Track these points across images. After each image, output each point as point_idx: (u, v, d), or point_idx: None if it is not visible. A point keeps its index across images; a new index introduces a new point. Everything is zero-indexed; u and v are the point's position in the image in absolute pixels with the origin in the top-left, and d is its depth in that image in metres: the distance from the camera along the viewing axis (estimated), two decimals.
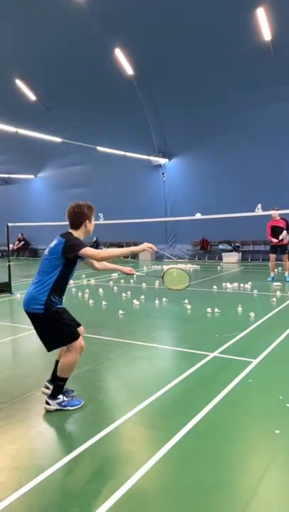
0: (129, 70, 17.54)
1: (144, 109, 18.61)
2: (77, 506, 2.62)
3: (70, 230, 3.97)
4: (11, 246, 20.15)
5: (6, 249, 15.90)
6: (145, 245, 3.82)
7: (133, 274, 4.38)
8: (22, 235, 24.64)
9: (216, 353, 5.36)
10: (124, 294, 9.80)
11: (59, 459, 3.06)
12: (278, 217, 11.43)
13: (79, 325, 4.08)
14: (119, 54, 16.92)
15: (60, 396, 3.89)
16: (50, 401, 3.87)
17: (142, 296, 9.44)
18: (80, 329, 4.05)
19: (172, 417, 3.71)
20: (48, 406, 3.87)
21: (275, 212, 10.80)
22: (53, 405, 3.86)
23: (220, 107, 17.20)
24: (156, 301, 8.99)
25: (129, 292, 9.94)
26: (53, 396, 3.88)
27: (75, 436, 3.43)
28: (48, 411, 3.85)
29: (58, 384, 3.90)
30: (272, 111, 16.20)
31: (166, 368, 5.09)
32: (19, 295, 10.38)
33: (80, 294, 10.21)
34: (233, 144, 17.36)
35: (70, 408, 3.84)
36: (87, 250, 3.69)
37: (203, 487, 2.72)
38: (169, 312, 8.21)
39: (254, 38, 14.69)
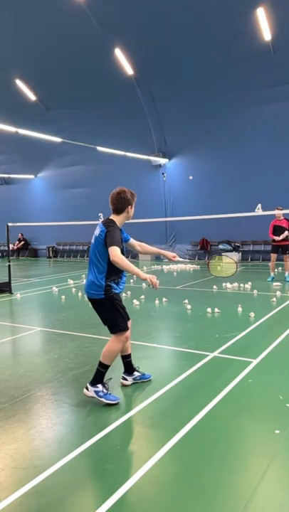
0: (129, 70, 17.55)
1: (144, 109, 18.61)
2: (77, 506, 2.62)
3: (112, 216, 4.11)
4: (10, 246, 20.15)
5: (6, 249, 15.91)
6: (149, 276, 3.80)
7: (177, 262, 4.58)
8: (22, 234, 24.65)
9: (216, 353, 5.36)
10: (124, 294, 9.79)
11: (59, 459, 3.05)
12: (282, 217, 11.44)
13: (128, 318, 4.28)
14: (119, 54, 16.92)
15: (100, 386, 3.96)
16: (89, 387, 3.98)
17: (142, 296, 9.44)
18: (128, 323, 4.27)
19: (172, 417, 3.70)
20: (85, 391, 4.00)
21: (279, 212, 10.77)
22: (91, 392, 3.96)
23: (220, 106, 17.21)
24: (156, 301, 8.99)
25: (129, 292, 9.94)
26: (93, 383, 3.97)
27: (75, 436, 3.43)
28: (84, 394, 3.99)
29: (98, 369, 4.00)
30: (273, 111, 16.21)
31: (166, 368, 5.09)
32: (19, 295, 10.38)
33: (80, 293, 10.21)
34: (233, 143, 17.37)
35: (105, 401, 3.90)
36: (112, 250, 3.75)
37: (203, 487, 2.72)
38: (169, 312, 8.21)
39: (254, 38, 14.70)
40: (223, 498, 2.61)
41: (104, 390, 3.96)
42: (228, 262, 5.01)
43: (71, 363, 5.22)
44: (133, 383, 4.44)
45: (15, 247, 24.33)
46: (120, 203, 4.05)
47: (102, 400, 3.91)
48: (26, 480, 2.81)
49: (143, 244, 4.54)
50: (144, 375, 4.52)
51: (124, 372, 4.48)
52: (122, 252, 3.98)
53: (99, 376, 4.00)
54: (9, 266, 11.17)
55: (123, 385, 4.42)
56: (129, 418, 3.70)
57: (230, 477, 2.83)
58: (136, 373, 4.49)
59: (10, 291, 10.85)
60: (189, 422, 3.51)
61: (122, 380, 4.45)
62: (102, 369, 3.99)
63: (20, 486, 2.75)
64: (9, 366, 5.27)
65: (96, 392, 3.95)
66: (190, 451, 3.13)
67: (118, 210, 4.08)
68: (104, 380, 4.03)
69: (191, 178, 18.44)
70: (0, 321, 7.83)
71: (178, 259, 4.52)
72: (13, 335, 6.89)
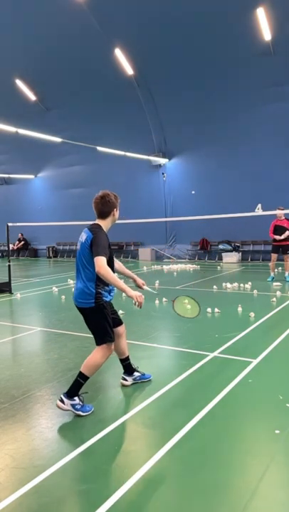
0: (129, 70, 17.55)
1: (144, 109, 18.61)
2: (77, 506, 2.62)
3: (97, 221, 4.02)
4: (10, 246, 20.16)
5: (6, 249, 15.91)
6: (136, 294, 3.78)
7: (142, 289, 4.43)
8: (22, 234, 24.65)
9: (216, 353, 5.36)
10: (124, 294, 9.78)
11: (59, 459, 3.06)
12: (283, 217, 11.43)
13: (120, 323, 4.21)
14: (119, 54, 16.92)
15: (76, 398, 3.76)
16: (64, 399, 3.75)
17: (142, 296, 9.42)
18: (120, 329, 4.22)
19: (172, 416, 3.70)
20: (60, 404, 3.75)
21: (280, 212, 10.76)
22: (67, 405, 3.74)
23: (220, 106, 17.21)
24: (156, 301, 8.99)
25: None
26: (70, 395, 3.76)
27: (74, 437, 3.43)
28: (58, 407, 3.76)
29: (77, 380, 3.79)
30: (273, 111, 16.21)
31: (166, 368, 5.09)
32: (19, 295, 10.38)
33: None
34: (233, 143, 17.37)
35: (82, 414, 3.72)
36: (97, 260, 3.62)
37: (203, 487, 2.72)
38: (169, 312, 8.19)
39: (254, 38, 14.70)
40: (223, 498, 2.61)
41: (81, 403, 3.78)
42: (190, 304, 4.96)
43: (71, 363, 5.21)
44: (133, 383, 4.44)
45: (15, 247, 24.34)
46: (106, 207, 3.98)
47: (79, 413, 3.72)
48: (26, 480, 2.81)
49: (120, 264, 4.44)
50: (144, 375, 4.51)
51: (124, 373, 4.46)
52: (110, 259, 3.88)
53: (77, 388, 3.79)
54: (9, 266, 11.17)
55: (123, 385, 4.42)
56: (129, 418, 3.70)
57: (230, 477, 2.83)
58: (136, 373, 4.48)
59: (10, 291, 10.85)
60: (189, 422, 3.51)
61: (121, 381, 4.45)
62: (82, 380, 3.80)
63: (20, 486, 2.75)
64: (9, 366, 5.27)
65: (73, 405, 3.74)
66: (190, 451, 3.13)
67: (104, 214, 4.00)
68: (80, 393, 3.84)
69: (193, 192, 18.47)
70: (0, 321, 7.83)
71: (146, 287, 4.42)
72: (13, 335, 6.89)
